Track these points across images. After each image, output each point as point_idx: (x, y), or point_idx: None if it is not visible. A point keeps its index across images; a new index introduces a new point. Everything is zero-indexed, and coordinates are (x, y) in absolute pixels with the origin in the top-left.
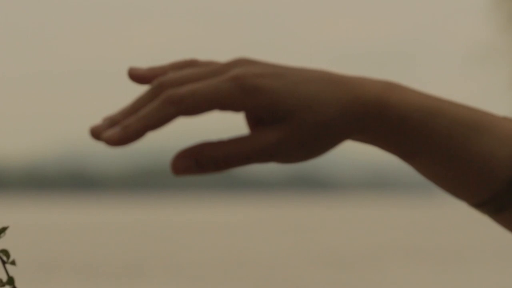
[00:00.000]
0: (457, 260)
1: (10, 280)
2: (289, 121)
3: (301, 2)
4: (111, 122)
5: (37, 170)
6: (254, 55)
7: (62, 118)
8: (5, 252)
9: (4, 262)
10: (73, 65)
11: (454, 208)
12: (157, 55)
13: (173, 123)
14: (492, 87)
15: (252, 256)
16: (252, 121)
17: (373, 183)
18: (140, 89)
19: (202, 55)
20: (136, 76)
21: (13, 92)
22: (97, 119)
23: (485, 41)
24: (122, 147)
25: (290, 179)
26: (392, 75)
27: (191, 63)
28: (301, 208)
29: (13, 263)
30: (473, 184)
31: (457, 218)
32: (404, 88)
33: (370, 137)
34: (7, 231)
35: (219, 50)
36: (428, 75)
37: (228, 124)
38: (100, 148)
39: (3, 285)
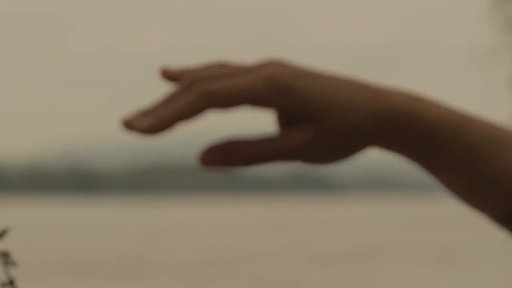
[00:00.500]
0: (454, 257)
1: (11, 282)
2: (318, 123)
3: (304, 2)
4: (143, 113)
5: (38, 170)
6: (254, 54)
7: (63, 117)
8: (6, 254)
9: (5, 264)
10: (77, 63)
11: (451, 207)
12: (162, 53)
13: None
14: (492, 87)
15: (252, 255)
16: (282, 120)
17: (370, 182)
18: (144, 90)
19: (205, 54)
20: (169, 74)
21: (13, 91)
22: (98, 119)
23: (485, 43)
24: (154, 136)
25: (289, 178)
26: (394, 75)
27: (223, 65)
28: (300, 207)
29: (13, 264)
30: (496, 199)
31: (454, 217)
32: (431, 101)
33: (395, 145)
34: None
35: (222, 49)
36: (429, 75)
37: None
38: (100, 148)
39: (4, 286)
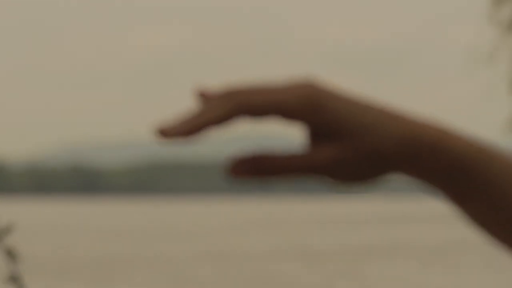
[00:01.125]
0: (445, 255)
1: (15, 278)
2: (346, 143)
3: (308, 4)
4: (178, 121)
5: (38, 169)
6: (256, 54)
7: (64, 118)
8: (13, 251)
9: (11, 261)
10: (78, 64)
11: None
12: (157, 56)
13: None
14: (492, 89)
15: (249, 253)
16: (312, 136)
17: None
18: (144, 91)
19: (203, 55)
20: (206, 94)
21: (15, 92)
22: (99, 119)
23: (485, 43)
24: (185, 139)
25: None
26: (394, 74)
27: (258, 85)
28: (295, 206)
29: (19, 260)
30: None
31: (444, 216)
32: (457, 133)
33: (421, 174)
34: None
35: (219, 51)
36: (429, 75)
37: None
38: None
39: (11, 281)
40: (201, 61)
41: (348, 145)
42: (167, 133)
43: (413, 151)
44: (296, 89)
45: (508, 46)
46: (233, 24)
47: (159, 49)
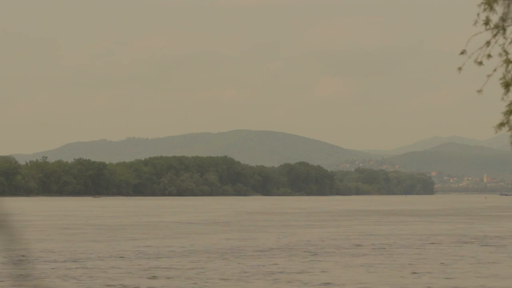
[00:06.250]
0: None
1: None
2: None
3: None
4: None
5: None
6: (253, 56)
7: (67, 118)
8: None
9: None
10: (79, 65)
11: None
12: (161, 58)
13: None
14: (484, 90)
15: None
16: None
17: None
18: (145, 92)
19: (204, 57)
20: None
21: (17, 92)
22: (101, 120)
23: (477, 45)
24: None
25: None
26: (395, 74)
27: None
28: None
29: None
30: None
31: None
32: None
33: None
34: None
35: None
36: (424, 77)
37: None
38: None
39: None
40: (202, 63)
41: None
42: None
43: None
44: None
45: (501, 47)
46: (235, 27)
47: (159, 53)
